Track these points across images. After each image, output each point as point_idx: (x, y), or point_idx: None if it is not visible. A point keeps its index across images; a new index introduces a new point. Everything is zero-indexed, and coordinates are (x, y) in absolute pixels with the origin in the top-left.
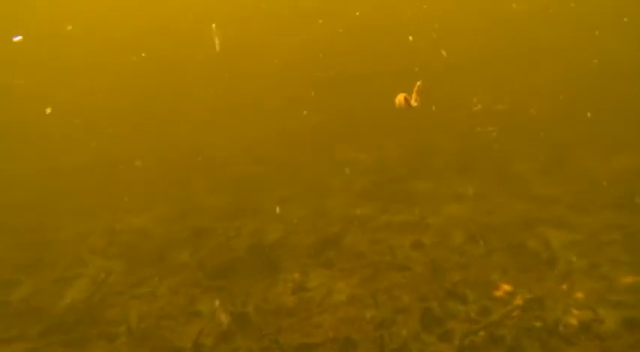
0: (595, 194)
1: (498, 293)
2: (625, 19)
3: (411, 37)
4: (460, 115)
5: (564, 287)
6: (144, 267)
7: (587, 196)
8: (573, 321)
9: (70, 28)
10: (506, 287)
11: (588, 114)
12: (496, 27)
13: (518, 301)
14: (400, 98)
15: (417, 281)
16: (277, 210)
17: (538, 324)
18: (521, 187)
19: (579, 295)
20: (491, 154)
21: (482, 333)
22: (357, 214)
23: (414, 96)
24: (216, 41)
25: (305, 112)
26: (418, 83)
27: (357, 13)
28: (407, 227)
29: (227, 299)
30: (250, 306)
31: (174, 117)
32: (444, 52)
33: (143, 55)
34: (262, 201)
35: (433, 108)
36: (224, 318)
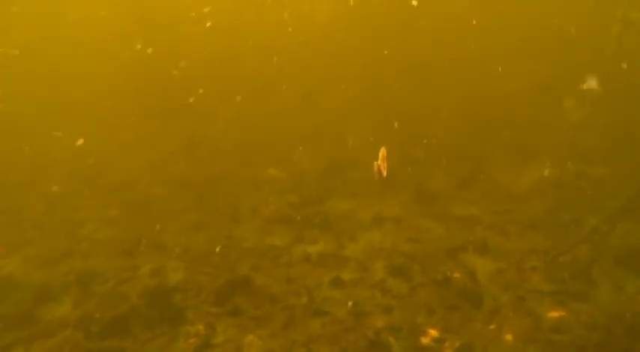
0: (513, 213)
1: (425, 341)
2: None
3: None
4: (376, 124)
5: (492, 327)
6: (7, 330)
7: (506, 216)
8: None
9: None
10: (434, 333)
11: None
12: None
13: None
14: (375, 168)
15: (337, 330)
16: (180, 243)
17: None
18: (440, 207)
19: (508, 337)
20: (408, 168)
21: None
22: (269, 245)
23: (381, 163)
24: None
25: (216, 123)
26: (382, 151)
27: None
28: (324, 260)
29: None
30: None
31: (60, 128)
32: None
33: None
34: (163, 232)
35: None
36: None
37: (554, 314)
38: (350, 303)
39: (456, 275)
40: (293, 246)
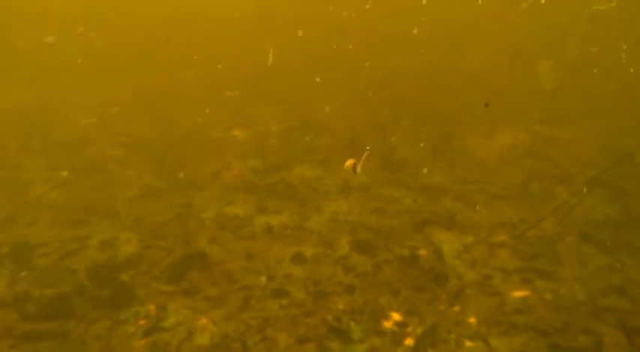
0: (482, 182)
1: (387, 325)
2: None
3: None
4: (351, 87)
5: (456, 309)
6: None
7: (475, 185)
8: None
9: None
10: (396, 317)
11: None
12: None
13: (409, 341)
14: (349, 163)
15: (296, 313)
16: (134, 211)
17: None
18: (408, 175)
19: (471, 320)
20: (379, 132)
21: None
22: (229, 215)
23: (360, 164)
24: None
25: (181, 80)
26: (366, 152)
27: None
28: (287, 233)
29: None
30: None
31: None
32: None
33: None
34: (117, 198)
35: (318, 80)
36: None
37: (519, 293)
38: (310, 283)
39: (422, 252)
40: (255, 217)
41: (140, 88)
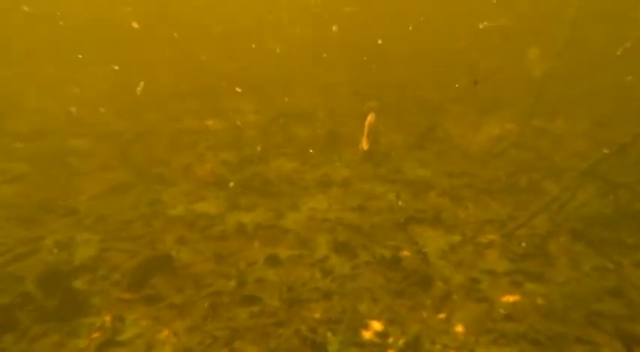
0: (469, 175)
1: (367, 336)
2: None
3: None
4: (336, 77)
5: (442, 316)
6: None
7: (462, 179)
8: None
9: None
10: (377, 326)
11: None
12: None
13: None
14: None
15: (267, 323)
16: (96, 209)
17: None
18: (392, 168)
19: (458, 328)
20: (361, 122)
21: None
22: (199, 213)
23: (364, 140)
24: None
25: (151, 66)
26: (369, 118)
27: None
28: (261, 232)
29: None
30: None
31: None
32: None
33: None
34: (77, 194)
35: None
36: None
37: (509, 298)
38: (285, 288)
39: (405, 252)
40: (227, 215)
41: (108, 75)
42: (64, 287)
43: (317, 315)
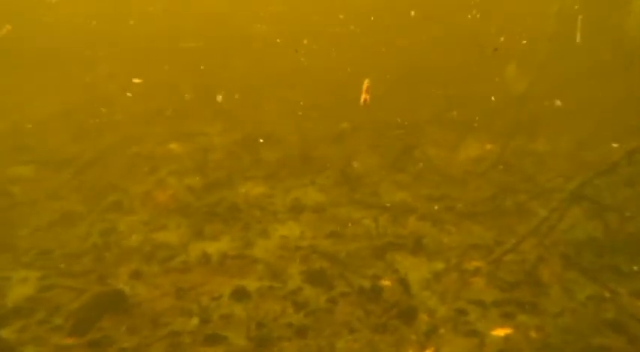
0: (450, 198)
1: None
2: None
3: None
4: (298, 93)
5: None
6: None
7: (443, 202)
8: None
9: None
10: None
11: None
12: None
13: None
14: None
15: None
16: (39, 242)
17: None
18: (368, 191)
19: None
20: (333, 144)
21: None
22: (159, 243)
23: (364, 95)
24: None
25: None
26: (366, 82)
27: None
28: (227, 263)
29: None
30: None
31: None
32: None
33: None
34: (17, 227)
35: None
36: None
37: (500, 332)
38: (253, 325)
39: (385, 282)
40: (189, 244)
41: (60, 97)
42: None
43: None
